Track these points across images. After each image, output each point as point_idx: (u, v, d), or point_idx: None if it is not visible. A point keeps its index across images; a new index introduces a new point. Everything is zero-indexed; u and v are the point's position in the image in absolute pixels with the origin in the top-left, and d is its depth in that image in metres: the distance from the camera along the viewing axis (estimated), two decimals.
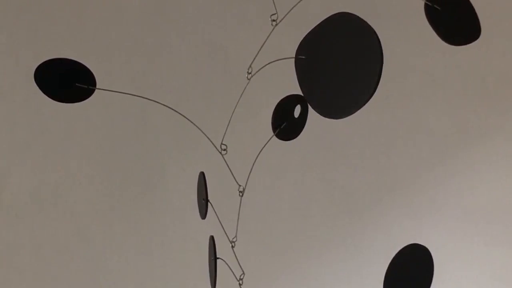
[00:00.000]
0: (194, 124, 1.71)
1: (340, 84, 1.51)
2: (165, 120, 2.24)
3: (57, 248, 2.25)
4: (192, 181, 2.20)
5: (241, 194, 1.83)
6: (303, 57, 1.60)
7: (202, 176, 1.87)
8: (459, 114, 2.48)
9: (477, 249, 2.45)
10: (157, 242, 2.28)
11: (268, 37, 1.65)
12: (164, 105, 1.70)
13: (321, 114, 1.56)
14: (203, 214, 1.86)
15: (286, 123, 1.91)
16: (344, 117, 1.53)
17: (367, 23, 1.45)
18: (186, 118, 1.70)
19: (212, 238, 1.84)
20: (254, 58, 1.65)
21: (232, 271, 1.75)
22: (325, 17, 2.58)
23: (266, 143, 1.84)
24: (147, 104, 2.13)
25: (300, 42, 1.61)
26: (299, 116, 1.93)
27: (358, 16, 1.47)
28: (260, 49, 1.65)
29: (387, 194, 2.40)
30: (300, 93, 1.82)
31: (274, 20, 1.69)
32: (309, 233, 2.38)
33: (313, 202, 2.37)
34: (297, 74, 1.61)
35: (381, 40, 2.54)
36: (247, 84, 1.68)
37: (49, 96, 1.70)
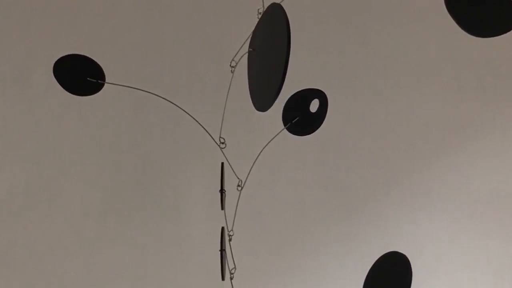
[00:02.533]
0: (194, 118, 1.74)
1: (265, 76, 1.49)
2: (160, 115, 2.25)
3: (50, 243, 2.28)
4: (188, 175, 2.22)
5: (240, 188, 1.84)
6: (251, 49, 1.59)
7: (221, 166, 1.89)
8: (454, 108, 2.43)
9: (472, 242, 2.41)
10: (151, 237, 2.30)
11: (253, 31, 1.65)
12: (168, 100, 1.75)
13: (256, 108, 1.55)
14: (221, 204, 1.88)
15: (299, 117, 1.88)
16: (265, 110, 1.51)
17: (283, 13, 1.41)
18: (187, 112, 1.74)
19: (222, 229, 1.87)
20: (237, 52, 1.66)
21: (228, 264, 1.78)
22: (311, 11, 2.50)
23: (275, 137, 1.83)
24: (140, 99, 2.18)
25: (252, 35, 1.61)
26: (316, 111, 1.89)
27: (280, 6, 1.44)
28: (244, 43, 1.65)
29: (382, 188, 2.38)
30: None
31: (260, 13, 1.68)
32: (305, 228, 2.36)
33: (308, 197, 2.36)
34: (248, 67, 1.60)
35: (375, 35, 2.43)
36: (232, 77, 1.69)
37: (65, 89, 1.81)
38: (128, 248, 2.21)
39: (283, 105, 2.04)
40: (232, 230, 1.80)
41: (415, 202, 2.39)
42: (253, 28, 1.66)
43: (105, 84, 2.16)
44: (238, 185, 1.83)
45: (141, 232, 2.22)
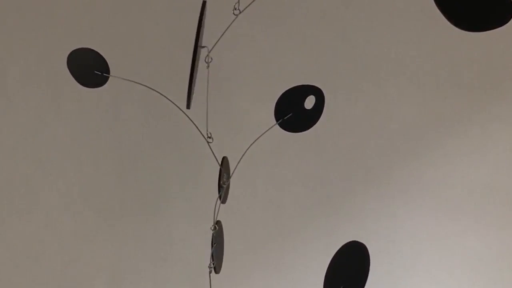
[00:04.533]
0: (184, 113, 1.78)
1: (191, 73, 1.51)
2: (140, 110, 2.20)
3: (28, 239, 2.26)
4: (169, 171, 2.21)
5: (224, 183, 1.86)
6: (204, 46, 1.61)
7: (221, 160, 1.91)
8: (432, 106, 2.37)
9: (450, 239, 2.37)
10: (129, 234, 2.27)
11: (229, 26, 1.67)
12: (163, 95, 1.80)
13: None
14: (220, 198, 1.90)
15: (292, 113, 1.87)
16: (188, 108, 1.52)
17: (201, 10, 1.42)
18: (178, 107, 1.78)
19: (217, 223, 1.89)
20: (212, 47, 1.68)
21: (212, 258, 1.81)
22: (291, 8, 2.39)
23: (264, 132, 1.82)
24: (120, 94, 2.17)
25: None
26: (312, 108, 1.88)
27: (203, 3, 1.46)
28: (220, 38, 1.67)
29: (361, 185, 2.35)
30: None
31: (236, 9, 1.70)
32: (284, 224, 2.32)
33: (288, 194, 2.31)
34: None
35: (355, 32, 2.32)
36: (208, 73, 1.71)
37: (78, 81, 1.89)
38: (106, 244, 2.22)
39: (274, 101, 2.03)
40: (214, 225, 1.81)
41: (394, 198, 2.37)
42: (229, 23, 1.67)
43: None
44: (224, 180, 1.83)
45: (120, 228, 2.22)
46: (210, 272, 1.81)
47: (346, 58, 2.29)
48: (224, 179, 1.84)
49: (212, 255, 1.81)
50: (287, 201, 2.27)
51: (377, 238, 2.32)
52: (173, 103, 1.80)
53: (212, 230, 1.83)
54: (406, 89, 2.35)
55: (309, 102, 1.87)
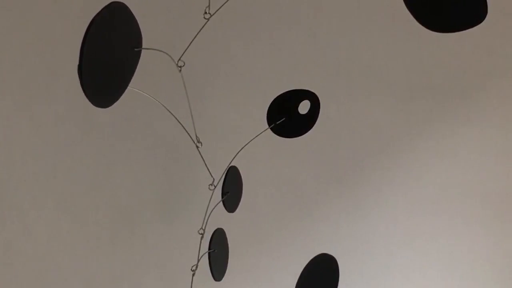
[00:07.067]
0: (173, 115, 1.79)
1: None
2: (112, 115, 2.12)
3: (2, 247, 2.19)
4: (143, 175, 2.14)
5: (213, 187, 1.84)
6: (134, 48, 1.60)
7: (227, 169, 1.89)
8: (403, 107, 2.30)
9: (422, 239, 2.33)
10: (105, 240, 2.19)
11: (200, 30, 1.66)
12: (155, 98, 1.83)
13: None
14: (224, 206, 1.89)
15: (284, 118, 1.82)
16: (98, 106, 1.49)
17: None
18: (167, 109, 1.80)
19: (215, 230, 1.88)
20: (185, 51, 1.68)
21: (197, 261, 1.81)
22: (260, 10, 2.25)
23: (256, 137, 1.80)
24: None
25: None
26: (307, 113, 1.82)
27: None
28: (191, 42, 1.67)
29: (333, 186, 2.28)
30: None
31: (207, 12, 1.69)
32: (258, 227, 2.23)
33: (261, 196, 2.22)
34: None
35: (325, 35, 2.14)
36: (182, 77, 1.72)
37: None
38: (80, 249, 2.22)
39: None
40: (202, 228, 1.80)
41: (367, 200, 2.31)
42: (200, 27, 1.65)
43: (53, 81, 2.21)
44: (212, 184, 1.82)
45: (93, 234, 2.21)
46: (193, 274, 1.80)
47: (316, 61, 2.24)
48: (213, 183, 1.82)
49: (208, 260, 1.79)
50: (260, 204, 2.23)
51: (351, 239, 2.29)
52: (165, 107, 1.80)
53: (200, 233, 1.81)
54: (377, 91, 2.29)
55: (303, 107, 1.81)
